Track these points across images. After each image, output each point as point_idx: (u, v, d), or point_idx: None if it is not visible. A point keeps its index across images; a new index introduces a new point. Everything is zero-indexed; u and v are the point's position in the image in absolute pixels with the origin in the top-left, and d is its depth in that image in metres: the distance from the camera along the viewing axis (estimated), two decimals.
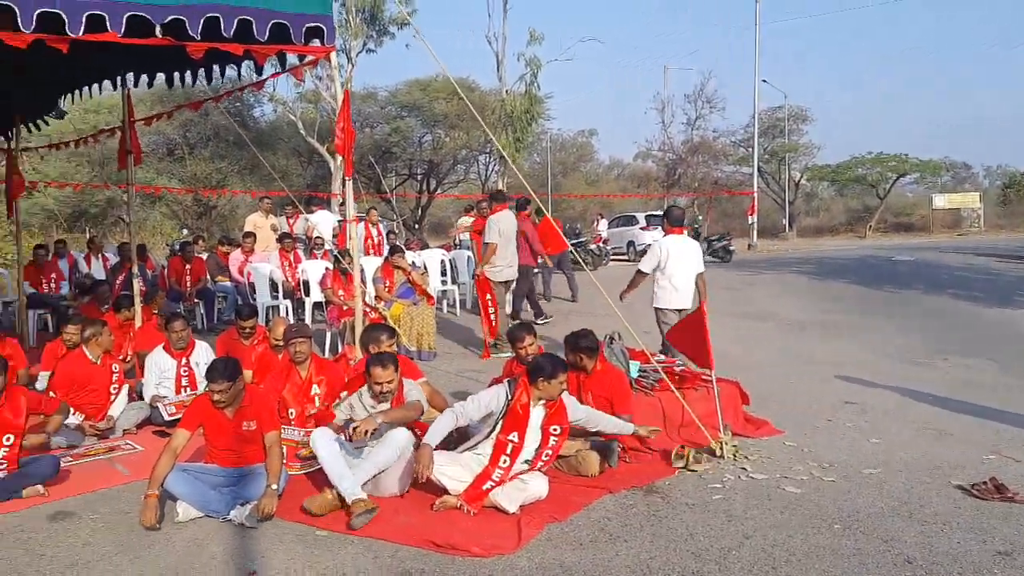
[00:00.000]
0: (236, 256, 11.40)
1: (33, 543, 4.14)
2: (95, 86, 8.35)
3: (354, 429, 4.46)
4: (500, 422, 4.59)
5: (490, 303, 8.88)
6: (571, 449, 4.96)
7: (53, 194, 23.14)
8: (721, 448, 5.17)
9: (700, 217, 26.24)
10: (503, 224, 8.99)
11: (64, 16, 4.63)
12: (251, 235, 11.62)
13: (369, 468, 4.48)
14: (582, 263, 12.03)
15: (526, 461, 4.59)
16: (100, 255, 12.01)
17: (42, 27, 4.59)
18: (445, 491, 4.48)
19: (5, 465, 4.80)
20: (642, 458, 5.28)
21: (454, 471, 4.53)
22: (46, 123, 10.05)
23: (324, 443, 4.53)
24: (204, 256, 11.57)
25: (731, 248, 22.16)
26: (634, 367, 5.87)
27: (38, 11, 4.54)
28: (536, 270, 11.44)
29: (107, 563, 3.89)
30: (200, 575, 3.75)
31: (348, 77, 24.94)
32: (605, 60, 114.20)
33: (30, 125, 9.83)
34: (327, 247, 11.89)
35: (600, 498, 4.58)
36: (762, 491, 4.69)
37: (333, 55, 5.80)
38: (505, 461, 4.53)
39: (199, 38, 5.08)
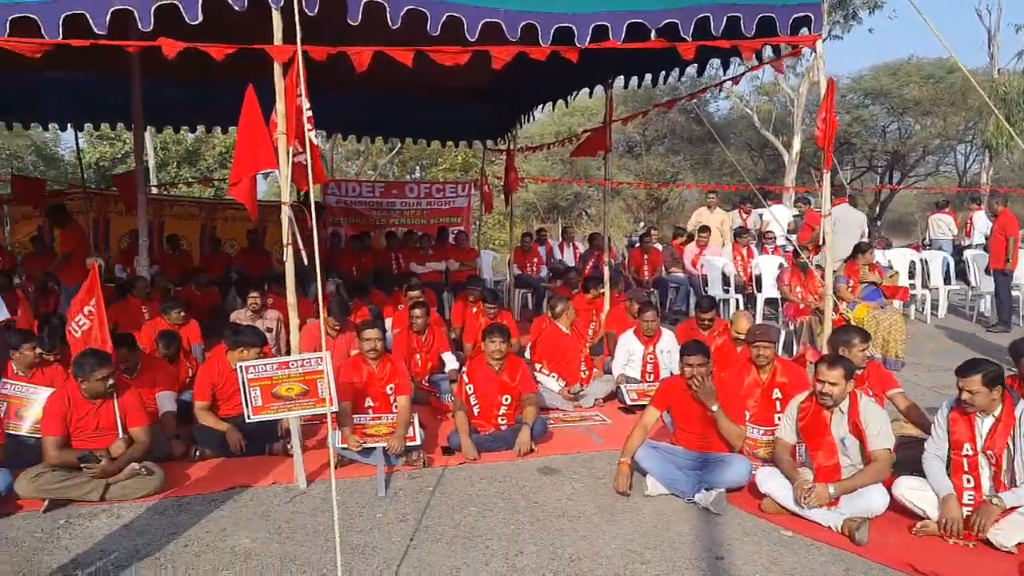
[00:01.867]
0: (691, 249, 11.73)
1: (528, 490, 4.79)
2: (584, 90, 9.26)
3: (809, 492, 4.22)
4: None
5: None
6: None
7: (533, 188, 26.42)
8: None
9: None
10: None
11: (574, 29, 5.20)
12: (707, 229, 11.86)
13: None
14: None
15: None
16: (571, 243, 13.33)
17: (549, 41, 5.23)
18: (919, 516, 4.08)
19: (505, 421, 5.64)
20: None
21: (927, 496, 4.10)
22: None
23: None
24: (659, 248, 12.15)
25: None
26: None
27: (555, 26, 5.17)
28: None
29: (587, 520, 4.32)
30: (669, 548, 3.96)
31: (813, 66, 23.95)
32: None
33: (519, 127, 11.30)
34: (779, 243, 11.61)
35: None
36: None
37: (819, 43, 5.60)
38: (969, 481, 3.99)
39: (690, 38, 5.31)
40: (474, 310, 8.23)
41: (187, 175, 24.13)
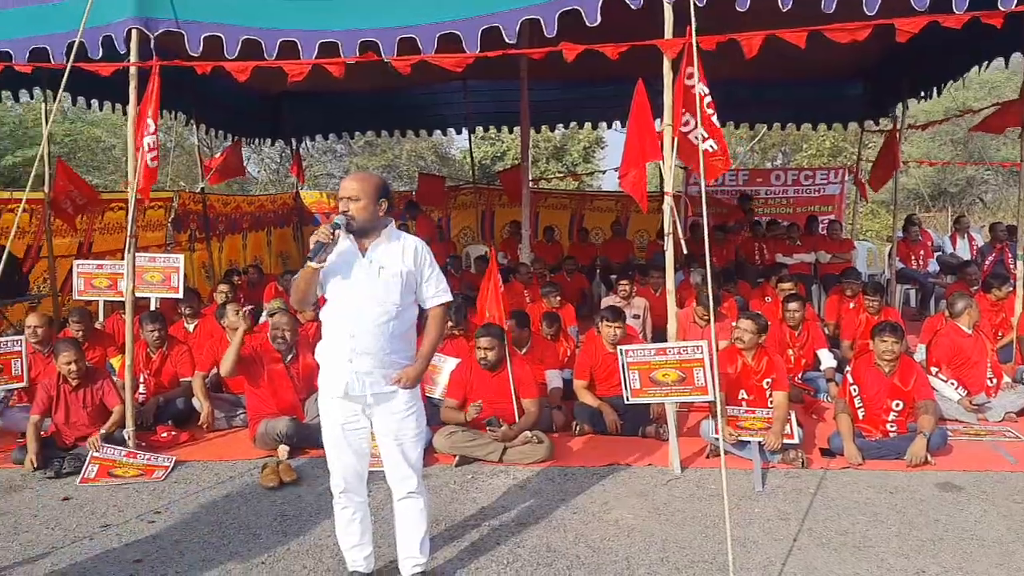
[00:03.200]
0: None
1: (926, 505, 4.34)
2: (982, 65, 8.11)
3: None
4: None
5: None
6: None
7: (915, 173, 23.79)
8: None
9: None
10: None
11: None
12: None
13: None
14: None
15: None
16: (966, 235, 11.76)
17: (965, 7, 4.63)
18: None
19: (895, 428, 5.16)
20: None
21: None
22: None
23: None
24: None
25: None
26: None
27: None
28: None
29: (1002, 547, 3.80)
30: None
31: None
32: None
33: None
34: None
35: None
36: None
37: None
38: None
39: None
40: (851, 305, 7.67)
41: (555, 170, 25.79)
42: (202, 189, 10.78)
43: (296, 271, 8.41)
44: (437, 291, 3.40)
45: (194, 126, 10.83)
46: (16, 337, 5.66)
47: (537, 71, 8.31)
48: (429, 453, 5.20)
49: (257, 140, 13.68)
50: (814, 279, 10.06)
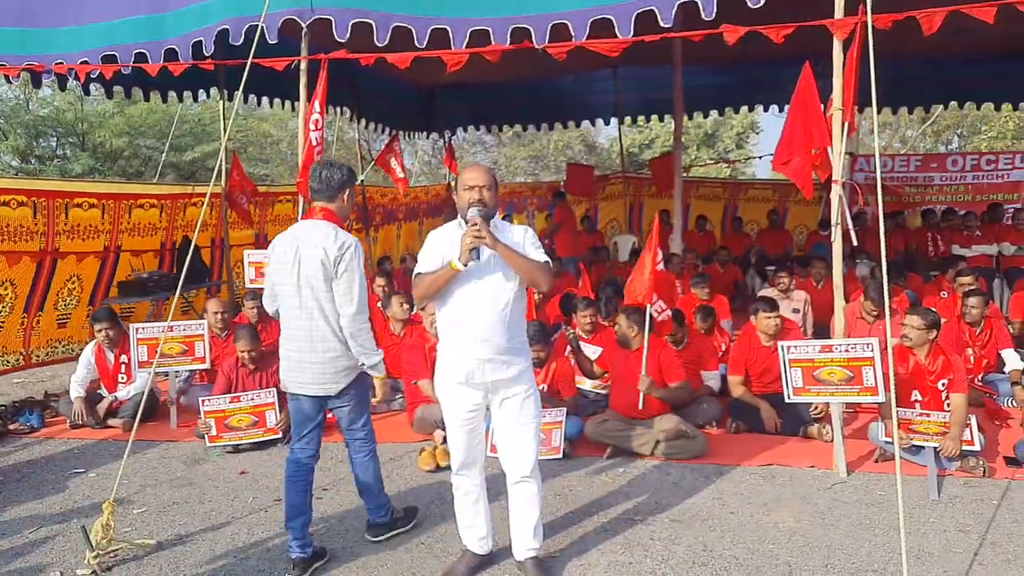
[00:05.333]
0: None
1: None
2: None
3: None
4: None
5: None
6: None
7: None
8: None
9: None
10: None
11: None
12: None
13: None
14: None
15: None
16: None
17: None
18: None
19: None
20: None
21: None
22: None
23: None
24: None
25: None
26: None
27: None
28: None
29: None
30: None
31: None
32: None
33: None
34: None
35: None
36: None
37: None
38: None
39: None
40: None
41: (705, 157, 25.11)
42: (361, 181, 11.27)
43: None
44: (540, 254, 3.36)
45: (355, 120, 11.32)
46: (199, 321, 6.14)
47: (691, 55, 8.09)
48: (579, 444, 5.21)
49: (411, 133, 14.13)
50: (996, 272, 9.24)
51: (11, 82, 7.55)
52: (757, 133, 27.17)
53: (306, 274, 3.61)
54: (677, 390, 5.33)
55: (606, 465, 4.96)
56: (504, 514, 3.65)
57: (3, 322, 6.62)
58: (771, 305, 5.77)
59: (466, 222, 3.26)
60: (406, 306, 6.50)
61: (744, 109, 12.86)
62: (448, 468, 4.88)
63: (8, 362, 6.72)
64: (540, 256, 3.35)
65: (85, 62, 5.76)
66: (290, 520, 3.69)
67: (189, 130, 17.52)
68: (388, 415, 6.18)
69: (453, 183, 14.58)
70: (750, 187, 13.83)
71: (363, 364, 3.70)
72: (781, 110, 11.76)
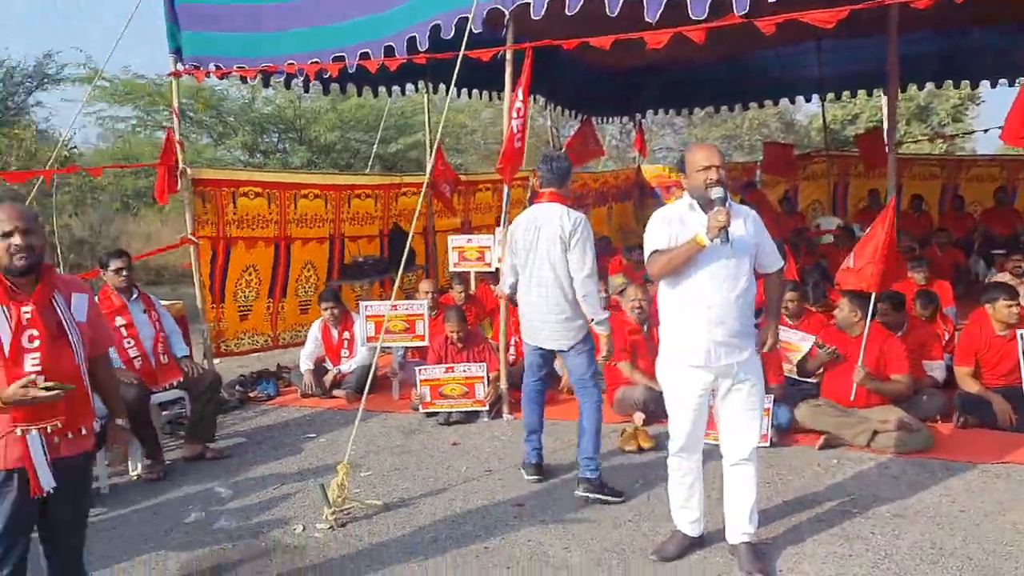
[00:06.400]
0: None
1: None
2: None
3: None
4: None
5: None
6: None
7: None
8: None
9: None
10: None
11: None
12: None
13: None
14: None
15: None
16: None
17: None
18: None
19: None
20: None
21: None
22: None
23: None
24: None
25: None
26: None
27: None
28: None
29: None
30: None
31: None
32: None
33: None
34: None
35: None
36: None
37: None
38: None
39: None
40: None
41: (917, 131, 23.17)
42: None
43: (635, 246, 8.61)
44: (775, 256, 3.51)
45: (547, 107, 11.45)
46: (420, 301, 6.54)
47: (907, 21, 7.48)
48: (789, 433, 5.06)
49: (600, 118, 14.10)
50: None
51: (247, 83, 8.35)
52: (977, 104, 24.66)
53: (546, 247, 4.30)
54: (896, 384, 5.04)
55: (818, 455, 4.78)
56: (716, 497, 3.63)
57: (251, 306, 7.39)
58: (1011, 293, 5.28)
59: (699, 204, 3.31)
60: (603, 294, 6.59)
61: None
62: (650, 450, 4.96)
63: (257, 342, 7.49)
64: (777, 263, 3.53)
65: (316, 62, 6.26)
66: (529, 434, 4.62)
67: (393, 123, 18.54)
68: None
69: (640, 166, 14.43)
70: (973, 164, 12.60)
71: (592, 320, 4.28)
72: (1012, 83, 10.61)
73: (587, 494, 4.21)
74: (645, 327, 5.78)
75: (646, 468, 4.68)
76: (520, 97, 5.68)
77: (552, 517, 4.10)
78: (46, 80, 15.83)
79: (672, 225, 3.36)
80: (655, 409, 5.40)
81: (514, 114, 5.76)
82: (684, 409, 3.43)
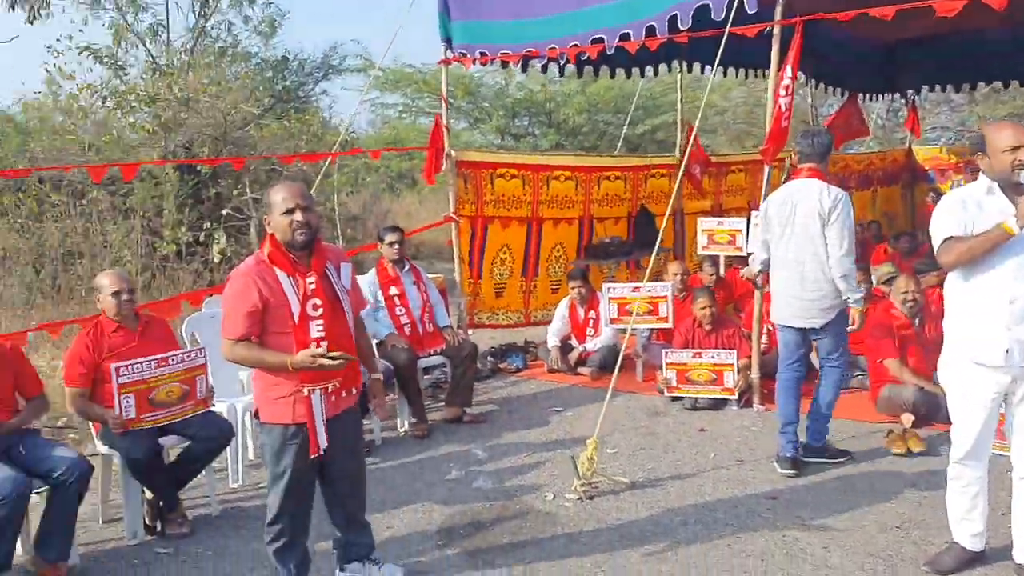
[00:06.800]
0: None
1: None
2: None
3: None
4: None
5: None
6: None
7: None
8: None
9: None
10: None
11: None
12: None
13: None
14: None
15: None
16: None
17: None
18: None
19: None
20: None
21: None
22: None
23: None
24: None
25: None
26: None
27: None
28: None
29: None
30: None
31: None
32: None
33: None
34: None
35: None
36: None
37: None
38: None
39: None
40: None
41: None
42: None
43: (901, 234, 7.86)
44: None
45: (806, 84, 10.77)
46: (664, 283, 6.49)
47: None
48: None
49: (865, 95, 13.01)
50: None
51: (506, 67, 8.67)
52: None
53: (802, 224, 4.27)
54: None
55: None
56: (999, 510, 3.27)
57: (505, 283, 7.77)
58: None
59: (1001, 187, 3.01)
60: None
61: None
62: (920, 455, 4.56)
63: (511, 318, 7.85)
64: None
65: (575, 45, 6.37)
66: (784, 426, 4.48)
67: (641, 104, 18.43)
68: (846, 393, 5.89)
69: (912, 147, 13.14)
70: None
71: (847, 299, 4.25)
72: None
73: (808, 458, 4.48)
74: (916, 321, 5.31)
75: (915, 476, 4.32)
76: (788, 74, 5.40)
77: (809, 514, 3.92)
78: (331, 71, 17.56)
79: (968, 210, 3.04)
80: (926, 413, 4.98)
81: (782, 91, 5.50)
82: (973, 413, 3.11)
